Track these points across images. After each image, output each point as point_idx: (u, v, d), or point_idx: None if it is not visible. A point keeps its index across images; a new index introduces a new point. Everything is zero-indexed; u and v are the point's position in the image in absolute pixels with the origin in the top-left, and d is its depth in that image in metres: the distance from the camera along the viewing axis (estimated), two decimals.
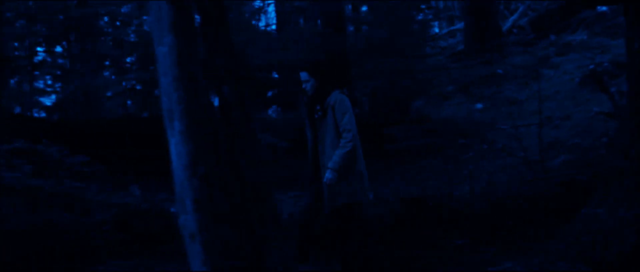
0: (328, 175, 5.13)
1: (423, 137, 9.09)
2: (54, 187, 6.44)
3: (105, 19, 13.61)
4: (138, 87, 13.44)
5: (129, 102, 15.62)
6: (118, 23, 14.04)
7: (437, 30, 20.35)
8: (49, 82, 14.05)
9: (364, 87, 11.82)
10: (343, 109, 5.24)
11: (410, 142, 8.86)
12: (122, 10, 13.59)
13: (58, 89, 13.56)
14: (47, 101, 12.37)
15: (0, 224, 6.12)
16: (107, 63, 14.07)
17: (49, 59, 12.39)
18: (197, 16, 5.11)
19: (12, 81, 14.30)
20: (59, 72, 12.61)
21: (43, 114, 12.45)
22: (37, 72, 13.85)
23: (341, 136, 5.20)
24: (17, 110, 13.60)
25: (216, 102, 5.14)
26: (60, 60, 12.51)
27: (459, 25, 17.64)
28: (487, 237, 6.56)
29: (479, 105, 12.32)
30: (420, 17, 13.97)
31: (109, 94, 15.03)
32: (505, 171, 8.78)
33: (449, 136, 9.66)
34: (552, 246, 5.81)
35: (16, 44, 14.81)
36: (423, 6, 14.30)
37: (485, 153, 9.55)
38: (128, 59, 13.26)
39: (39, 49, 12.80)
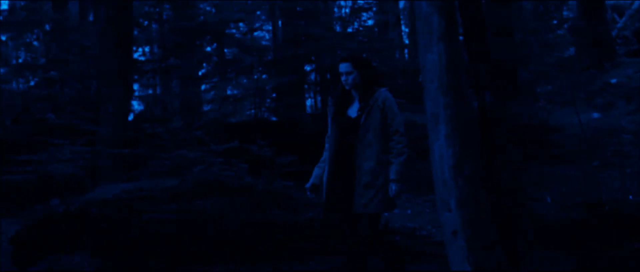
0: (395, 188, 4.81)
1: (563, 144, 9.34)
2: (265, 186, 6.84)
3: (232, 25, 14.06)
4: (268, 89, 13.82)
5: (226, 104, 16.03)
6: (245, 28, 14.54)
7: None
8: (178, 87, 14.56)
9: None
10: (396, 109, 4.91)
11: (567, 148, 9.09)
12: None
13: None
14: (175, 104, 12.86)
15: (219, 221, 6.51)
16: (236, 68, 14.51)
17: (179, 63, 12.89)
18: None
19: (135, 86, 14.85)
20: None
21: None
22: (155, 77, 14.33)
23: (393, 139, 4.86)
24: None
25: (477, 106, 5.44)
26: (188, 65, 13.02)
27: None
28: None
29: (596, 115, 12.47)
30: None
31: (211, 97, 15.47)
32: None
33: (587, 142, 9.86)
34: None
35: (147, 48, 15.41)
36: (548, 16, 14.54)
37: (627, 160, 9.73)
38: (255, 64, 13.70)
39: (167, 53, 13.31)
